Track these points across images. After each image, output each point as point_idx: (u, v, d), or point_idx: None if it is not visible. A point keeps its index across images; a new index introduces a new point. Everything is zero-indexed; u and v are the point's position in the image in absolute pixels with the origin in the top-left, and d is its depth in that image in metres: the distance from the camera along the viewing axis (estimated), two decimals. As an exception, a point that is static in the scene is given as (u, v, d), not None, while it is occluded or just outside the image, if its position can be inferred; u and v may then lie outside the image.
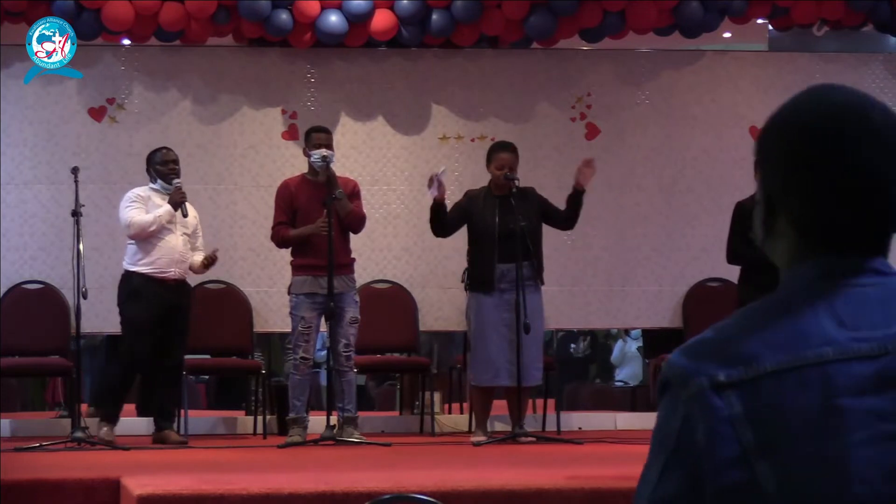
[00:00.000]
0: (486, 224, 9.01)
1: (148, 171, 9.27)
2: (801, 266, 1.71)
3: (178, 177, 9.20)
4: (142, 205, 9.07)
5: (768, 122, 1.74)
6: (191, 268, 9.26)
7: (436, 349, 11.28)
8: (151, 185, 9.21)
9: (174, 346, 9.15)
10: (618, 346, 15.32)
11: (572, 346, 15.55)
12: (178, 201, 9.06)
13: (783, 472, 1.60)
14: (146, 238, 9.02)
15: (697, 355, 1.66)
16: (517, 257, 8.86)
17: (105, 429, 8.96)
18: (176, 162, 9.25)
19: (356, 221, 9.12)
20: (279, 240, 9.11)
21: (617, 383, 14.93)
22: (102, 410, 9.19)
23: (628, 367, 15.04)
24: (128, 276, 9.11)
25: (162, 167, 9.19)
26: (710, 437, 1.62)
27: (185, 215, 9.10)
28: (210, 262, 9.21)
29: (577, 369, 15.79)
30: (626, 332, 14.85)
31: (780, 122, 1.73)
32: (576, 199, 9.13)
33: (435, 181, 8.95)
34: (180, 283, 9.19)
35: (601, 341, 16.01)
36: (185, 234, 9.18)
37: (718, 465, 1.61)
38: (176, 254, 9.11)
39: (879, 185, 1.67)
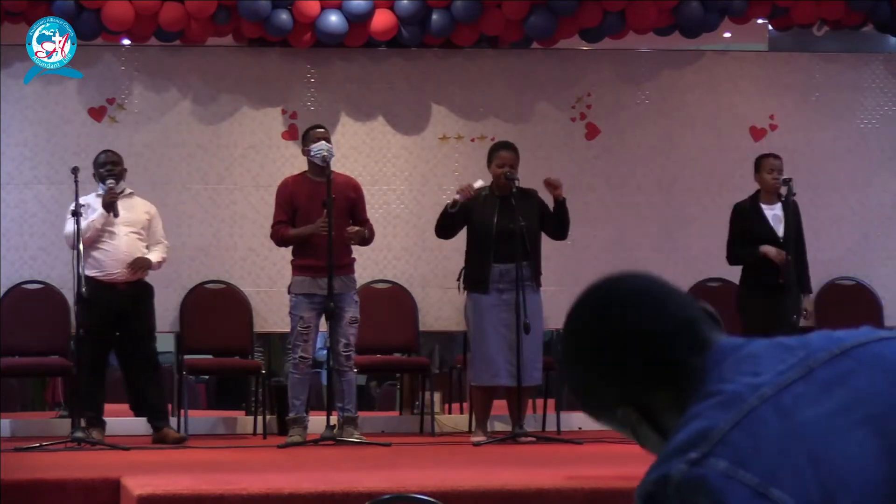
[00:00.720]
0: (485, 224, 9.01)
1: (93, 175, 9.18)
2: (690, 397, 1.84)
3: (118, 178, 9.09)
4: (82, 214, 8.96)
5: (576, 368, 1.98)
6: (149, 266, 9.19)
7: (436, 349, 11.27)
8: (97, 192, 9.11)
9: (140, 344, 9.12)
10: None
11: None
12: (107, 202, 8.97)
13: (795, 488, 1.71)
14: (87, 245, 8.86)
15: (660, 464, 1.77)
16: (516, 257, 8.86)
17: (95, 432, 8.95)
18: (115, 163, 9.14)
19: (369, 242, 9.17)
20: (278, 239, 9.11)
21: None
22: (87, 415, 9.12)
23: None
24: (77, 280, 9.05)
25: (101, 169, 9.12)
26: (715, 496, 1.71)
27: (116, 216, 9.00)
28: (143, 265, 9.11)
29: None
30: None
31: (583, 356, 1.96)
32: (558, 209, 9.14)
33: (469, 192, 8.95)
34: (133, 285, 9.12)
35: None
36: (132, 233, 9.11)
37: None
38: (121, 255, 9.04)
39: (671, 325, 1.94)
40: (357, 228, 8.91)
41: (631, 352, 1.89)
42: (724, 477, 1.71)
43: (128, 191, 9.26)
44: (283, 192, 9.11)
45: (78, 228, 8.72)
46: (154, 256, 9.18)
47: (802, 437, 1.74)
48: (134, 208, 9.19)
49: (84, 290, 8.55)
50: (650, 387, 1.89)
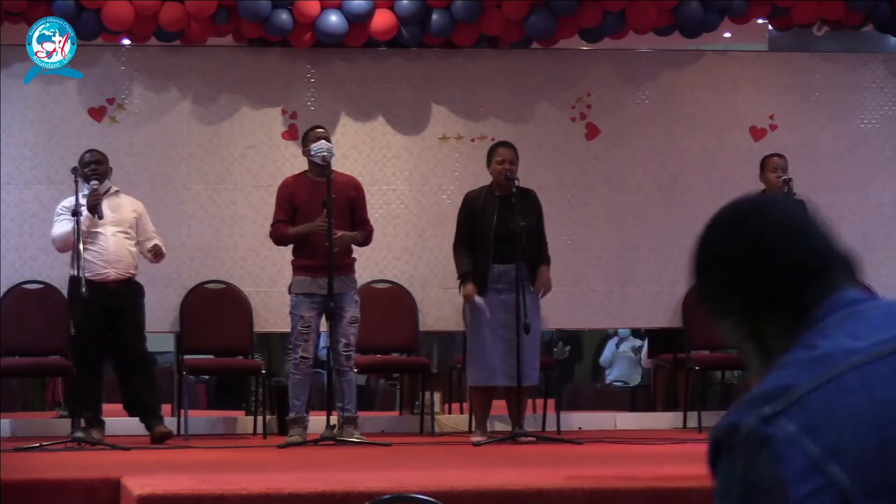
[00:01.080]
0: (485, 224, 9.01)
1: (79, 174, 9.13)
2: (791, 337, 1.85)
3: (102, 177, 9.08)
4: (67, 215, 8.95)
5: (702, 267, 1.98)
6: (145, 255, 9.19)
7: (436, 349, 11.27)
8: (83, 192, 9.06)
9: (131, 343, 9.12)
10: (608, 348, 15.29)
11: (557, 346, 15.53)
12: (91, 204, 8.94)
13: (854, 468, 1.69)
14: (73, 247, 8.85)
15: (738, 406, 1.77)
16: (516, 258, 8.86)
17: (94, 431, 8.96)
18: (99, 163, 9.12)
19: (366, 243, 9.16)
20: (277, 237, 9.11)
21: (616, 383, 14.93)
22: (85, 416, 9.12)
23: (618, 368, 15.03)
24: (70, 281, 9.06)
25: (85, 169, 9.09)
26: (775, 460, 1.71)
27: (100, 217, 8.98)
28: (155, 252, 9.12)
29: (577, 369, 15.80)
30: (616, 332, 14.86)
31: (712, 259, 1.95)
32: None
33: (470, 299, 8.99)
34: (121, 283, 9.11)
35: (588, 343, 16.01)
36: (120, 232, 9.10)
37: (793, 478, 1.70)
38: (109, 254, 9.04)
39: (806, 252, 1.89)
40: (341, 233, 8.86)
41: (758, 271, 1.89)
42: (789, 441, 1.70)
43: (113, 189, 9.23)
44: (283, 191, 9.11)
45: (78, 228, 8.72)
46: (149, 245, 9.15)
47: (878, 417, 1.71)
48: (120, 207, 9.17)
49: (84, 289, 8.54)
50: (766, 312, 1.88)
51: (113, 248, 9.06)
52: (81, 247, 8.70)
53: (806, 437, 1.70)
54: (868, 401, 1.72)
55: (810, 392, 1.73)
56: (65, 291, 9.57)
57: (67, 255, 9.06)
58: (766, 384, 1.77)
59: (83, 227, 8.86)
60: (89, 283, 8.83)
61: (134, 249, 9.16)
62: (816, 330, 1.82)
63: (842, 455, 1.69)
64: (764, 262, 1.87)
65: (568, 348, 15.47)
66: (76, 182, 8.86)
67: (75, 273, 8.86)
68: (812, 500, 1.68)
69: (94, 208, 8.96)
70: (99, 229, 9.02)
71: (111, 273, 9.05)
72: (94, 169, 9.09)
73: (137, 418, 9.38)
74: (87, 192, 9.04)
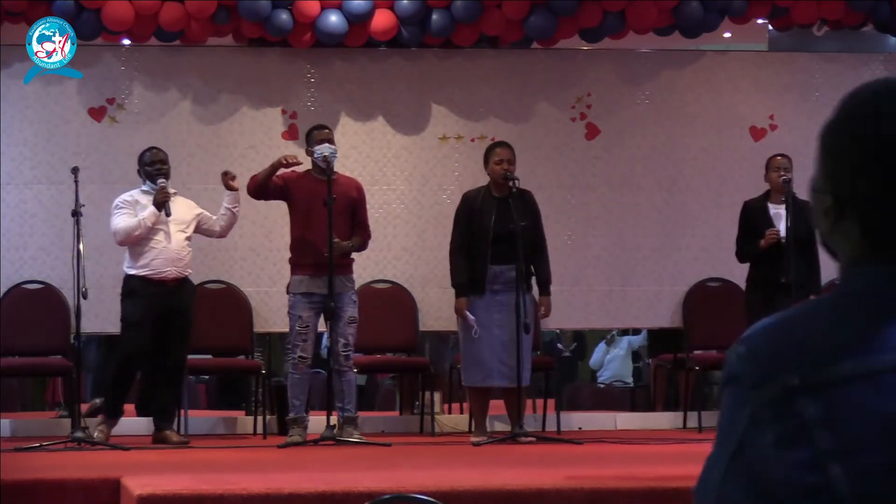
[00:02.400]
0: (483, 225, 9.01)
1: (139, 171, 9.26)
2: (871, 266, 1.66)
3: (167, 176, 9.16)
4: (129, 209, 9.04)
5: (839, 120, 1.76)
6: (218, 234, 9.36)
7: (436, 349, 11.27)
8: (142, 188, 9.19)
9: (174, 346, 9.16)
10: (599, 350, 15.28)
11: (563, 342, 15.56)
12: (160, 201, 9.01)
13: (857, 476, 1.57)
14: (135, 242, 9.00)
15: (769, 353, 1.61)
16: (514, 258, 8.86)
17: (100, 427, 8.97)
18: (164, 161, 9.22)
19: (361, 250, 9.17)
20: (250, 182, 9.08)
21: (615, 383, 14.92)
22: (100, 405, 9.19)
23: (609, 369, 15.03)
24: (127, 280, 9.13)
25: (149, 167, 9.17)
26: (780, 441, 1.59)
27: (168, 215, 9.05)
28: (232, 202, 9.24)
29: (578, 369, 15.80)
30: (610, 333, 14.86)
31: (854, 123, 1.74)
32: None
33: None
34: (180, 283, 9.19)
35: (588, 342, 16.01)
36: (180, 231, 9.17)
37: (790, 468, 1.59)
38: (171, 253, 9.11)
39: None
40: (336, 241, 8.85)
41: (861, 160, 1.69)
42: (803, 427, 1.56)
43: (172, 191, 9.27)
44: (285, 174, 9.09)
45: (78, 229, 8.73)
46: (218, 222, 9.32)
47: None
48: (179, 209, 9.22)
49: (85, 289, 8.57)
50: (852, 207, 1.67)
51: (174, 247, 9.13)
52: (81, 247, 8.71)
53: (822, 427, 1.57)
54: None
55: (845, 379, 1.57)
56: (65, 291, 9.58)
57: (70, 255, 9.03)
58: (804, 329, 1.61)
59: (149, 224, 8.99)
60: (148, 280, 8.94)
61: (190, 249, 9.23)
62: (884, 290, 1.63)
63: (851, 459, 1.57)
64: (874, 155, 1.68)
65: (574, 345, 15.50)
66: (76, 182, 8.88)
67: (132, 272, 9.04)
68: (804, 499, 1.58)
69: (163, 205, 9.02)
70: (162, 227, 9.07)
71: (171, 271, 9.12)
72: (159, 168, 9.17)
73: (143, 418, 9.40)
74: (147, 188, 9.11)
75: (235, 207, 9.35)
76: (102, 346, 11.50)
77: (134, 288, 9.04)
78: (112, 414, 9.13)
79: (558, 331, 14.42)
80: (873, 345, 1.59)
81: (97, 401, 9.96)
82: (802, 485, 1.59)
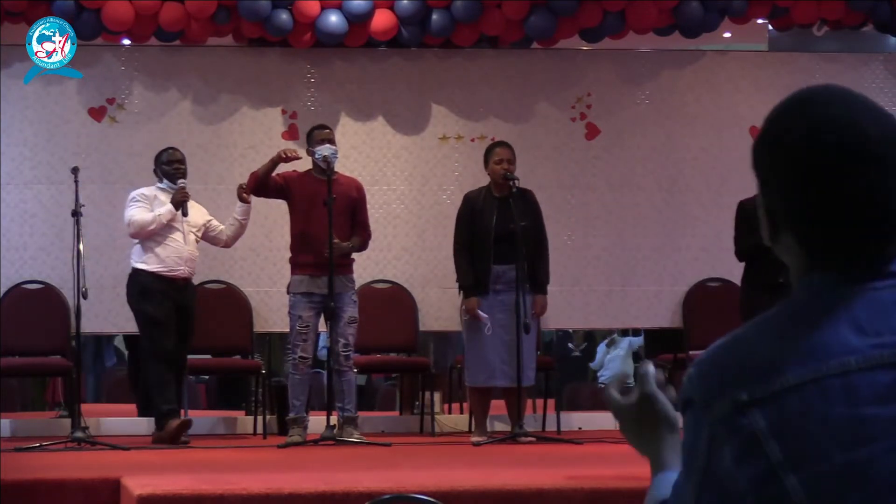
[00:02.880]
0: (484, 225, 9.01)
1: (155, 171, 9.30)
2: (812, 276, 1.70)
3: (184, 177, 9.23)
4: (146, 204, 9.11)
5: (765, 135, 1.75)
6: (224, 243, 9.39)
7: (436, 349, 11.27)
8: (158, 185, 9.24)
9: (181, 344, 9.17)
10: (599, 350, 15.27)
11: (574, 341, 15.56)
12: (179, 201, 9.08)
13: (812, 484, 1.58)
14: (147, 237, 9.06)
15: (718, 373, 1.64)
16: (515, 258, 8.86)
17: (174, 422, 8.96)
18: (182, 162, 9.29)
19: (361, 250, 9.17)
20: (249, 179, 9.07)
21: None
22: (162, 411, 9.10)
23: (609, 370, 15.01)
24: (135, 274, 9.13)
25: (167, 167, 9.23)
26: (737, 456, 1.61)
27: (184, 215, 9.10)
28: (243, 210, 9.29)
29: (577, 369, 15.79)
30: (610, 336, 14.86)
31: (776, 138, 1.72)
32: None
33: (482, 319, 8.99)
34: (188, 282, 9.24)
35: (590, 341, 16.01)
36: (193, 233, 9.22)
37: (749, 483, 1.61)
38: (185, 252, 9.16)
39: (879, 203, 1.66)
40: (336, 242, 8.85)
41: (790, 174, 1.67)
42: (755, 440, 1.59)
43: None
44: (286, 173, 9.10)
45: (78, 230, 8.74)
46: (227, 230, 9.36)
47: (853, 435, 1.57)
48: (194, 211, 9.26)
49: (85, 289, 8.57)
50: (792, 221, 1.69)
51: (187, 247, 9.18)
52: (81, 247, 8.72)
53: (773, 438, 1.59)
54: (847, 414, 1.59)
55: (791, 388, 1.60)
56: (65, 291, 9.57)
57: (70, 255, 9.02)
58: (751, 344, 1.64)
59: (164, 221, 9.04)
60: (160, 276, 8.97)
61: (198, 252, 9.31)
62: (827, 296, 1.66)
63: (804, 467, 1.58)
64: (821, 180, 1.65)
65: (585, 345, 15.51)
66: (76, 182, 8.89)
67: (143, 267, 9.06)
68: None
69: (181, 205, 9.06)
70: (178, 225, 9.09)
71: (183, 270, 9.17)
72: (177, 168, 9.24)
73: (143, 419, 9.39)
74: (164, 186, 9.16)
75: (245, 219, 9.37)
76: (102, 346, 11.48)
77: (148, 285, 9.04)
78: (176, 413, 9.10)
79: (571, 330, 14.42)
80: (816, 352, 1.61)
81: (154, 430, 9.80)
82: (763, 496, 1.60)
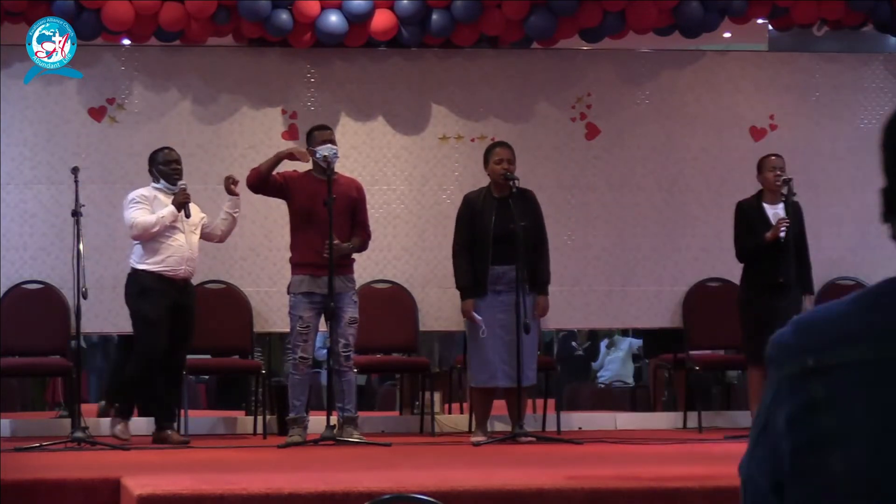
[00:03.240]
0: (483, 226, 9.01)
1: (150, 171, 9.29)
2: None
3: (181, 177, 9.23)
4: (146, 205, 9.10)
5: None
6: (218, 238, 9.40)
7: (436, 349, 11.27)
8: (154, 185, 9.23)
9: (179, 345, 9.18)
10: (601, 351, 15.28)
11: (577, 340, 15.57)
12: (181, 202, 9.08)
13: (853, 461, 1.60)
14: (150, 238, 9.06)
15: (798, 335, 1.68)
16: (515, 259, 8.86)
17: (120, 426, 8.98)
18: (178, 162, 9.29)
19: (361, 250, 9.17)
20: (251, 174, 9.06)
21: (616, 384, 14.93)
22: (118, 406, 9.19)
23: (609, 369, 15.03)
24: (135, 274, 9.13)
25: (165, 167, 9.22)
26: (789, 420, 1.64)
27: (187, 216, 9.11)
28: (232, 204, 9.29)
29: (580, 368, 15.80)
30: (610, 334, 14.86)
31: None
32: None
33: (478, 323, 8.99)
34: (188, 283, 9.25)
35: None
36: (193, 232, 9.24)
37: (794, 448, 1.63)
38: (185, 252, 9.17)
39: None
40: (336, 243, 8.85)
41: None
42: (809, 410, 1.61)
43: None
44: (286, 173, 9.11)
45: (78, 230, 8.74)
46: (220, 223, 9.37)
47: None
48: (193, 210, 9.25)
49: (85, 289, 8.58)
50: None
51: (188, 247, 9.19)
52: (81, 247, 8.72)
53: (827, 409, 1.61)
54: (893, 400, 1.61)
55: (857, 363, 1.61)
56: (65, 291, 9.58)
57: (70, 255, 9.02)
58: (839, 313, 1.66)
59: (167, 223, 9.04)
60: (161, 276, 9.00)
61: (198, 253, 9.33)
62: None
63: (850, 444, 1.60)
64: None
65: (588, 343, 15.51)
66: (76, 182, 8.88)
67: (144, 268, 9.05)
68: (801, 478, 1.62)
69: (183, 206, 9.07)
70: (179, 226, 9.09)
71: (184, 270, 9.17)
72: (175, 168, 9.24)
73: (143, 418, 9.40)
74: (161, 187, 9.16)
75: (236, 212, 9.38)
76: (117, 346, 11.47)
77: (147, 284, 9.05)
78: (128, 413, 9.14)
79: (576, 330, 14.42)
80: (884, 334, 1.63)
81: (103, 403, 9.92)
82: (804, 464, 1.63)
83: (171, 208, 9.07)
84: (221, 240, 9.52)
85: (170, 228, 9.11)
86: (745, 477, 1.72)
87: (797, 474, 1.64)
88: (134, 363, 9.21)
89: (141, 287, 9.10)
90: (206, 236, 9.42)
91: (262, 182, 9.02)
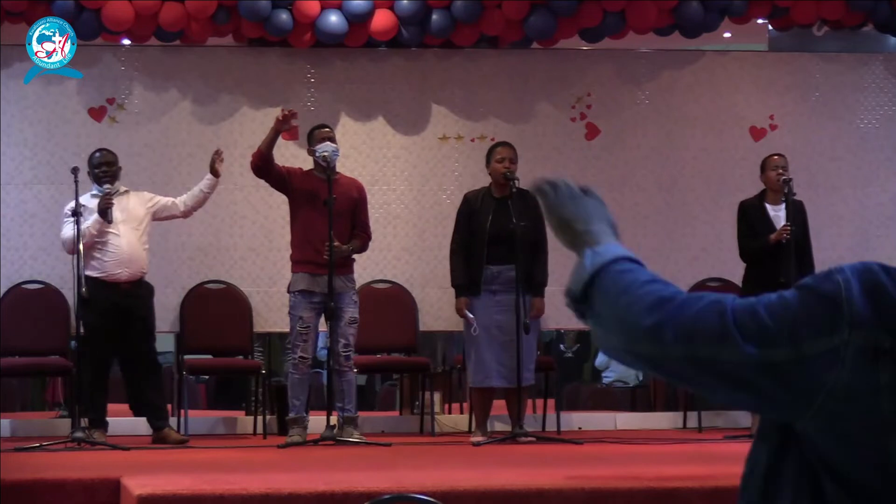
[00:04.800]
0: (480, 225, 9.01)
1: (88, 174, 9.16)
2: None
3: (113, 179, 9.09)
4: (74, 218, 8.92)
5: None
6: (182, 213, 9.27)
7: (436, 349, 11.27)
8: (91, 192, 9.09)
9: (140, 341, 9.11)
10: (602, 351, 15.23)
11: (565, 342, 15.53)
12: (103, 209, 8.93)
13: None
14: (86, 249, 8.88)
15: (881, 311, 1.64)
16: (513, 259, 8.85)
17: (96, 434, 8.94)
18: (111, 164, 9.14)
19: (361, 251, 9.16)
20: (254, 155, 9.01)
21: (616, 384, 14.92)
22: (89, 418, 9.12)
23: (613, 371, 15.02)
24: (84, 281, 9.04)
25: (96, 170, 9.12)
26: (848, 392, 1.61)
27: (109, 221, 8.96)
28: (213, 171, 9.22)
29: (578, 369, 15.78)
30: None
31: None
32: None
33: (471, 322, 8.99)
34: (135, 284, 9.11)
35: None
36: (132, 231, 9.09)
37: (853, 419, 1.61)
38: (123, 255, 9.04)
39: None
40: (336, 245, 8.84)
41: None
42: (874, 390, 1.61)
43: (122, 189, 9.23)
44: (290, 168, 9.10)
45: (78, 230, 8.72)
46: (192, 192, 9.27)
47: None
48: (131, 207, 9.16)
49: (84, 290, 8.55)
50: None
51: (126, 248, 9.06)
52: (81, 247, 8.70)
53: (892, 394, 1.60)
54: None
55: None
56: (65, 291, 9.58)
57: (69, 255, 9.04)
58: None
59: (93, 232, 8.89)
60: (101, 282, 8.85)
61: (146, 248, 9.17)
62: None
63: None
64: None
65: (578, 346, 15.48)
66: (76, 182, 8.86)
67: (88, 273, 8.86)
68: (859, 457, 1.62)
69: (105, 213, 8.94)
70: (111, 230, 9.01)
71: (124, 274, 9.06)
72: (105, 171, 9.12)
73: (142, 418, 9.38)
74: (96, 192, 9.06)
75: (209, 192, 9.28)
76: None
77: (87, 292, 8.80)
78: (100, 423, 9.06)
79: (563, 331, 14.40)
80: None
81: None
82: (863, 442, 1.62)
83: (96, 216, 8.92)
84: (186, 215, 9.35)
85: (103, 233, 8.99)
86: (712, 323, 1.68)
87: (854, 446, 1.61)
88: (85, 372, 9.09)
89: (82, 294, 8.99)
90: (166, 217, 9.27)
91: (265, 162, 8.92)
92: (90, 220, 8.94)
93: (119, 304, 9.00)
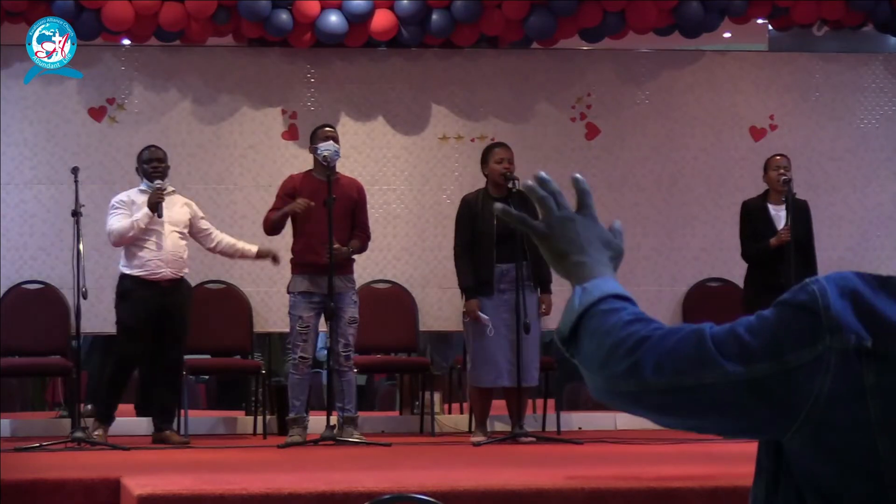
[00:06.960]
0: (485, 226, 9.00)
1: (137, 170, 9.25)
2: None
3: (164, 175, 9.14)
4: (125, 210, 8.99)
5: None
6: (211, 248, 9.30)
7: (436, 349, 11.27)
8: (140, 187, 9.17)
9: (170, 346, 9.13)
10: None
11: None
12: (154, 202, 8.98)
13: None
14: (129, 243, 8.96)
15: (865, 307, 1.65)
16: (516, 257, 8.86)
17: (98, 431, 8.95)
18: (161, 160, 9.18)
19: (360, 252, 9.17)
20: (265, 222, 9.10)
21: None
22: (98, 410, 9.18)
23: None
24: (121, 279, 9.10)
25: (147, 165, 9.15)
26: (833, 395, 1.61)
27: (159, 216, 9.00)
28: (242, 253, 9.29)
29: (577, 369, 15.77)
30: None
31: None
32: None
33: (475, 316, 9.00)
34: (175, 283, 9.16)
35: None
36: (175, 231, 9.12)
37: (838, 426, 1.62)
38: (166, 254, 9.07)
39: None
40: (336, 247, 8.85)
41: None
42: (858, 392, 1.61)
43: (170, 188, 9.24)
44: (286, 184, 9.12)
45: (78, 229, 8.73)
46: (249, 247, 9.34)
47: None
48: (175, 206, 9.19)
49: (84, 290, 8.56)
50: None
51: (170, 247, 9.09)
52: (81, 247, 8.71)
53: (877, 397, 1.61)
54: None
55: None
56: (65, 291, 9.58)
57: (69, 255, 9.04)
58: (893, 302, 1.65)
59: (142, 226, 8.94)
60: (142, 280, 8.90)
61: (186, 249, 9.20)
62: None
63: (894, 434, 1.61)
64: None
65: None
66: (76, 182, 8.87)
67: (127, 272, 8.99)
68: (845, 455, 1.62)
69: (156, 206, 8.97)
70: (157, 227, 9.03)
71: (167, 272, 9.08)
72: (155, 167, 9.14)
73: (144, 418, 9.39)
74: (144, 187, 9.09)
75: (239, 258, 9.41)
76: (98, 348, 11.47)
77: (128, 289, 9.00)
78: (106, 419, 9.09)
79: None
80: None
81: (89, 407, 9.90)
82: (846, 443, 1.62)
83: (146, 210, 8.97)
84: (213, 251, 9.38)
85: (148, 231, 9.01)
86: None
87: (841, 451, 1.61)
88: (111, 367, 9.17)
89: (123, 291, 9.06)
90: (199, 239, 9.30)
91: (276, 230, 9.07)
92: (139, 214, 8.97)
93: (159, 301, 9.02)
